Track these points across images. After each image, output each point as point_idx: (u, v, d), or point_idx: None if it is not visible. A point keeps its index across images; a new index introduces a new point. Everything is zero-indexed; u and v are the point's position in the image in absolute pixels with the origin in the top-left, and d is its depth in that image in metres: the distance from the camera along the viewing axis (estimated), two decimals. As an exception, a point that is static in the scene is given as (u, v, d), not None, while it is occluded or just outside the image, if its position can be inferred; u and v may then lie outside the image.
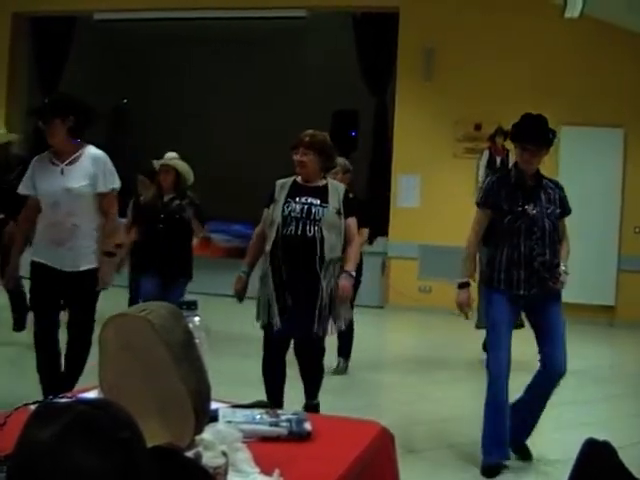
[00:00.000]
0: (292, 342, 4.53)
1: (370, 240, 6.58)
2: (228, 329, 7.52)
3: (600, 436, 1.79)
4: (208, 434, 1.72)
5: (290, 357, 4.55)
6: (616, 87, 9.77)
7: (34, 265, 4.51)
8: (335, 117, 12.43)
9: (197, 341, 1.82)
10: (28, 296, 6.74)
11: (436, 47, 10.27)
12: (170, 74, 13.55)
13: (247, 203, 11.30)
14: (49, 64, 12.33)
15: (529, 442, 4.45)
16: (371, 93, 11.51)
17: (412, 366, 7.29)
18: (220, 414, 2.00)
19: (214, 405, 1.91)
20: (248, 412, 2.07)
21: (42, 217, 4.45)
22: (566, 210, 4.33)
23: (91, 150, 4.45)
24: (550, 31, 9.85)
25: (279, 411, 2.12)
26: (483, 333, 7.15)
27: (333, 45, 12.20)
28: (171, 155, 6.19)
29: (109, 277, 4.54)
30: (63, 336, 4.59)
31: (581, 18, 9.01)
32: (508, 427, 4.19)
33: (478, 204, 4.40)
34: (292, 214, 4.31)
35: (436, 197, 10.31)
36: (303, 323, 4.30)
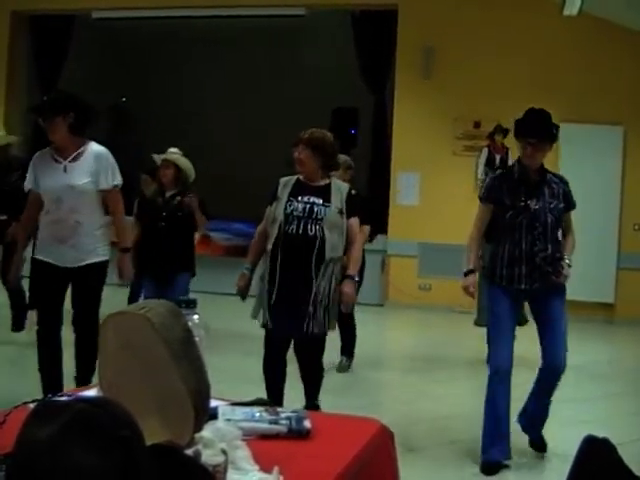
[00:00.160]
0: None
1: (370, 238, 6.57)
2: (228, 327, 7.52)
3: (599, 433, 1.79)
4: (208, 432, 1.72)
5: (290, 356, 4.55)
6: (615, 84, 9.77)
7: (36, 263, 4.52)
8: (334, 115, 12.43)
9: (196, 339, 1.82)
10: (28, 295, 6.80)
11: (435, 45, 10.26)
12: (169, 72, 13.54)
13: (247, 201, 11.32)
14: (48, 62, 12.32)
15: (527, 439, 4.48)
16: (370, 91, 11.50)
17: (412, 364, 7.29)
18: (220, 412, 2.00)
19: (213, 403, 1.91)
20: (248, 410, 2.07)
21: (45, 214, 4.46)
22: (571, 204, 4.32)
23: (93, 147, 4.46)
24: (549, 28, 9.85)
25: (279, 409, 2.12)
26: (483, 331, 7.19)
27: (332, 43, 12.20)
28: (172, 151, 6.17)
29: (129, 271, 4.64)
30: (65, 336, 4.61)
31: (580, 15, 9.01)
32: (508, 424, 4.20)
33: (480, 199, 4.42)
34: (294, 213, 4.30)
35: (435, 195, 10.31)
36: (299, 322, 4.30)
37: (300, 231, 4.27)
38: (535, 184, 4.23)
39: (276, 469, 1.68)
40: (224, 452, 1.65)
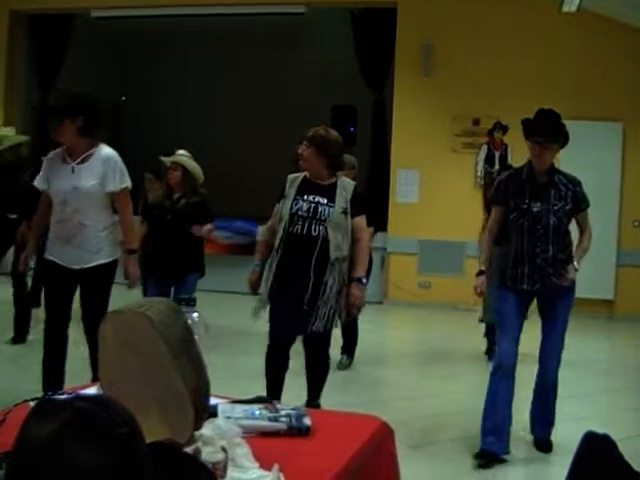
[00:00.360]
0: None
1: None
2: (228, 325, 7.53)
3: (600, 429, 1.79)
4: (207, 430, 1.72)
5: (292, 354, 4.56)
6: (614, 81, 9.77)
7: (46, 263, 4.58)
8: (334, 112, 12.43)
9: (196, 337, 1.82)
10: (29, 296, 6.80)
11: (434, 42, 10.25)
12: (168, 71, 13.54)
13: (247, 199, 11.34)
14: (47, 61, 12.32)
15: (527, 437, 4.49)
16: (369, 88, 11.50)
17: (412, 361, 7.30)
18: (219, 409, 2.00)
19: (213, 400, 1.91)
20: (247, 407, 2.07)
21: (53, 214, 4.52)
22: (580, 205, 4.30)
23: (103, 149, 4.49)
24: (548, 25, 9.84)
25: (278, 406, 2.12)
26: (483, 328, 7.21)
27: (331, 41, 12.20)
28: (181, 153, 6.15)
29: (134, 272, 4.64)
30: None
31: (579, 12, 9.01)
32: (509, 420, 4.23)
33: (492, 201, 4.50)
34: (299, 212, 4.32)
35: (435, 192, 10.30)
36: (300, 322, 4.31)
37: (304, 231, 4.29)
38: (542, 185, 4.24)
39: (276, 466, 1.68)
40: (224, 450, 1.65)
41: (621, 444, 1.77)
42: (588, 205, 4.35)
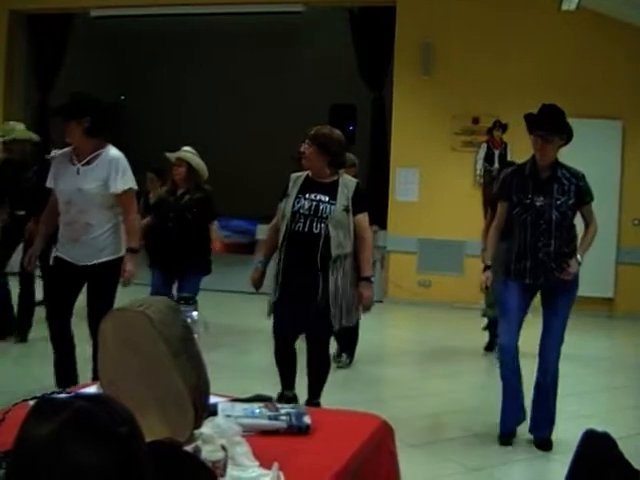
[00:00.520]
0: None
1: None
2: (227, 324, 7.51)
3: (600, 427, 1.79)
4: (207, 428, 1.72)
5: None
6: (614, 79, 9.76)
7: (55, 260, 4.64)
8: (333, 111, 12.43)
9: (195, 336, 1.82)
10: (35, 298, 6.79)
11: (433, 41, 10.24)
12: (167, 70, 13.53)
13: (246, 198, 11.34)
14: (46, 61, 12.31)
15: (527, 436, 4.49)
16: (369, 87, 11.49)
17: (412, 360, 7.30)
18: (219, 408, 2.00)
19: (213, 399, 1.91)
20: (247, 406, 2.07)
21: (61, 214, 4.57)
22: (584, 199, 4.34)
23: (109, 151, 4.52)
24: (548, 24, 9.83)
25: (278, 405, 2.12)
26: (483, 323, 7.21)
27: (330, 40, 12.19)
28: (186, 149, 6.18)
29: (132, 271, 4.61)
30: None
31: (578, 10, 8.99)
32: (520, 400, 4.43)
33: (497, 197, 4.55)
34: (301, 211, 4.35)
35: (434, 191, 10.29)
36: (302, 321, 4.34)
37: (306, 229, 4.31)
38: (545, 180, 4.28)
39: (276, 465, 1.68)
40: (224, 448, 1.65)
41: (621, 442, 1.77)
42: (592, 198, 4.38)
